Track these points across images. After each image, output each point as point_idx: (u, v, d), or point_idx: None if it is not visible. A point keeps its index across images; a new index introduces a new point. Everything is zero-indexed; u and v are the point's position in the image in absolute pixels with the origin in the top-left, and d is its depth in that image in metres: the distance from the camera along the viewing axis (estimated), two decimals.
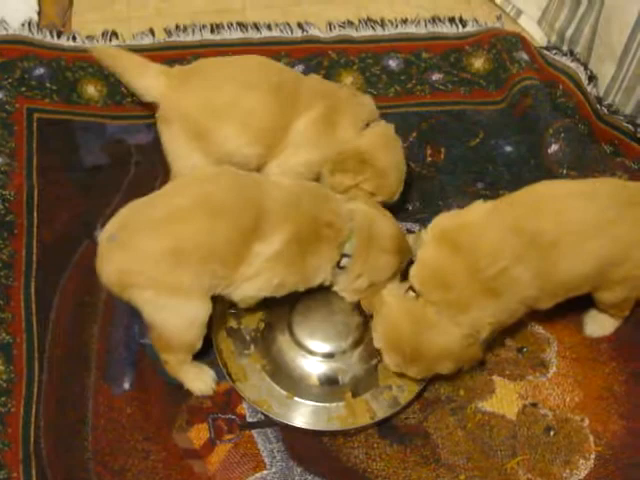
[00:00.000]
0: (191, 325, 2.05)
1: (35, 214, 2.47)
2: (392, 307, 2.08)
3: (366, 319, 2.25)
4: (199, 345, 2.11)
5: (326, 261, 2.12)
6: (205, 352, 2.19)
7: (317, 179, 2.33)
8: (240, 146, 2.27)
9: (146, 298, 2.00)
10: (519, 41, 2.85)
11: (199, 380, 2.19)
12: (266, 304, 2.18)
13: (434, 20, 2.96)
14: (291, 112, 2.28)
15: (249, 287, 2.07)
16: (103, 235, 2.02)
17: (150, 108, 2.44)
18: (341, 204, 2.15)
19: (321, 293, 2.23)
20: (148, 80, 2.33)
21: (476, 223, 2.04)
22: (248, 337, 2.28)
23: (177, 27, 2.92)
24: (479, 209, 2.08)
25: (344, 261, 2.13)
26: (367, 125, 2.34)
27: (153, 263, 1.96)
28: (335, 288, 2.20)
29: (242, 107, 2.25)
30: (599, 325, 2.29)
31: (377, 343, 2.11)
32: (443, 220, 2.10)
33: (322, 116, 2.29)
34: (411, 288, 2.06)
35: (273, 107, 2.26)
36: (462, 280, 1.98)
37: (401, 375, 2.15)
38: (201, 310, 2.03)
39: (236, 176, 2.11)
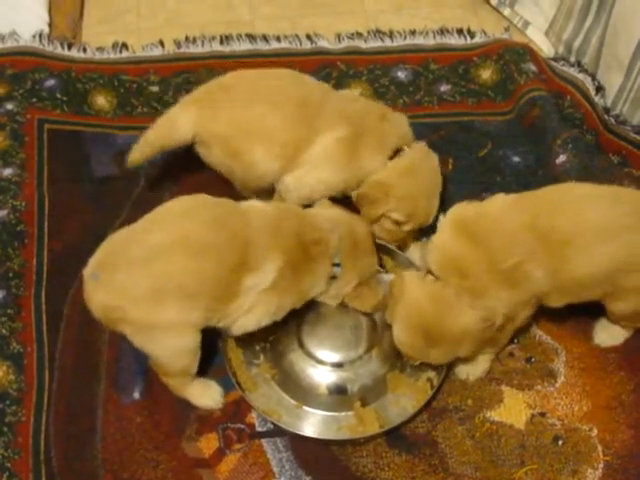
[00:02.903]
0: (180, 355, 2.05)
1: (46, 224, 2.49)
2: (414, 290, 2.04)
3: (374, 328, 2.26)
4: (194, 369, 2.10)
5: (321, 277, 2.12)
6: (212, 362, 2.22)
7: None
8: (267, 162, 2.27)
9: (131, 332, 2.00)
10: (527, 52, 2.86)
11: (205, 396, 2.19)
12: None
13: (442, 31, 2.98)
14: (312, 128, 2.27)
15: (248, 321, 2.06)
16: (86, 272, 1.99)
17: None
18: (319, 217, 2.15)
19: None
20: (181, 116, 2.30)
21: (495, 215, 2.04)
22: (257, 347, 2.29)
23: (187, 38, 2.94)
24: (500, 201, 2.08)
25: (335, 271, 2.13)
26: (398, 151, 2.32)
27: (133, 301, 1.94)
28: (319, 297, 2.19)
29: (269, 124, 2.24)
30: (609, 335, 2.29)
31: (397, 332, 2.07)
32: (462, 208, 2.09)
33: (345, 140, 2.27)
34: (430, 272, 2.05)
35: (295, 121, 2.25)
36: (478, 269, 1.99)
37: (418, 366, 2.15)
38: (188, 341, 2.02)
39: (214, 207, 2.06)
